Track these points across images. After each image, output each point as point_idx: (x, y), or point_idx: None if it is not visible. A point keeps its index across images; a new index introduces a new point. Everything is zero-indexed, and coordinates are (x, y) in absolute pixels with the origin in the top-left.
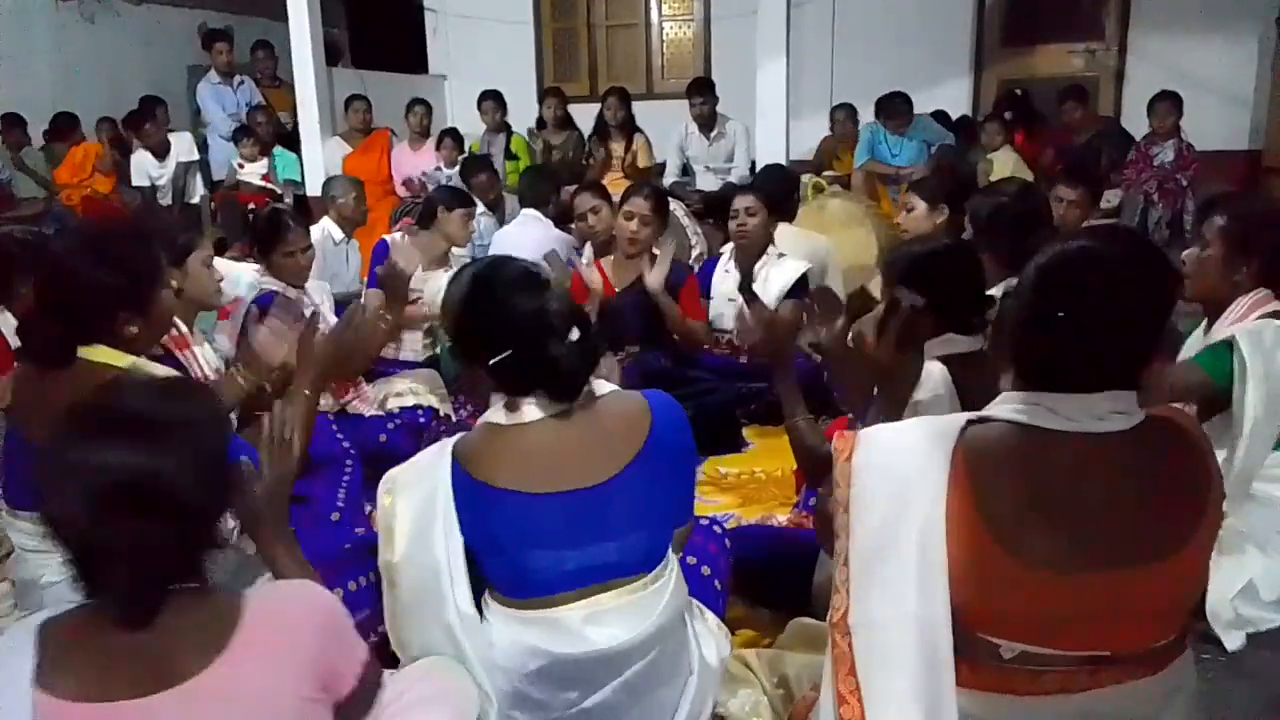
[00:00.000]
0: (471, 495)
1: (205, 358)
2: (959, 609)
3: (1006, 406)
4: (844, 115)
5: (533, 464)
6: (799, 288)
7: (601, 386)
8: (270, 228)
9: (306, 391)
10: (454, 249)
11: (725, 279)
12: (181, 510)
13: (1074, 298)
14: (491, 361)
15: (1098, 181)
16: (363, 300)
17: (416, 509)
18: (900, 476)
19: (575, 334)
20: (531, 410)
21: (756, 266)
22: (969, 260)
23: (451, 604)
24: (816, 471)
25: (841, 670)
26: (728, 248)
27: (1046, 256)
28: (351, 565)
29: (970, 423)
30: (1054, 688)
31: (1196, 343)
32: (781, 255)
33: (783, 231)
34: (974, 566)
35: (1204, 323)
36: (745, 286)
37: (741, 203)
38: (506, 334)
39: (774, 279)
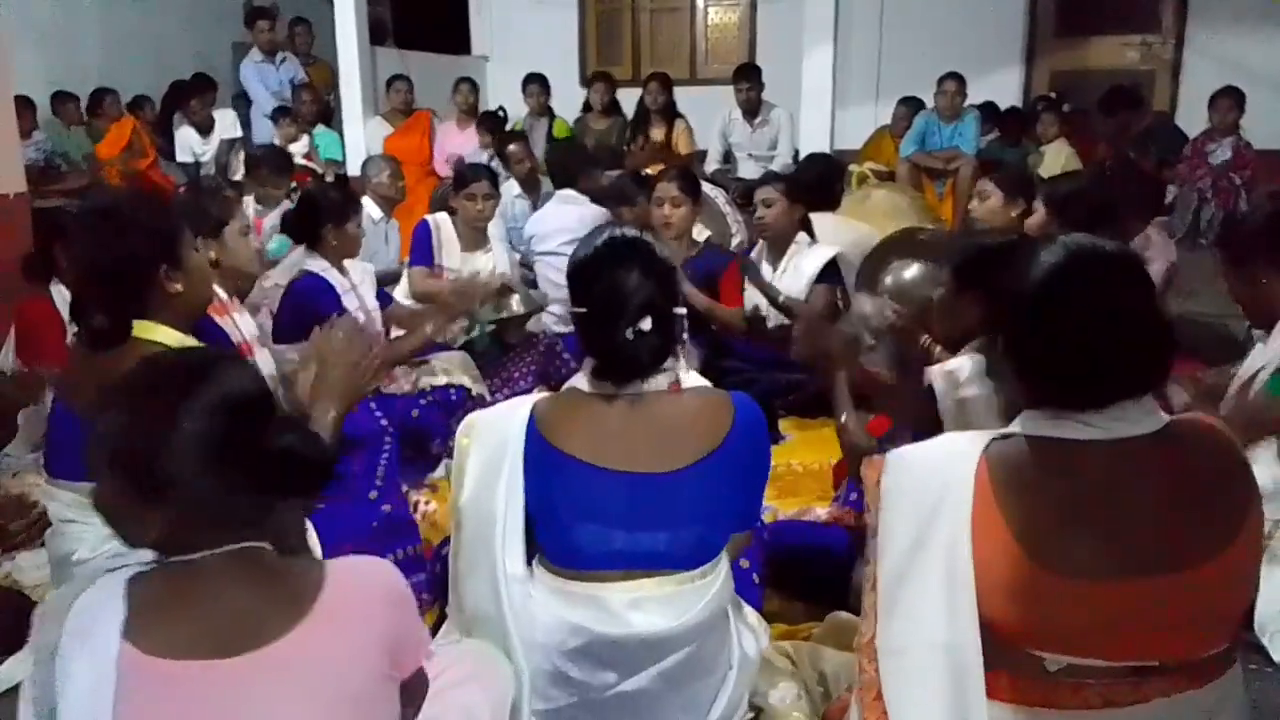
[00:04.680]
0: (540, 455)
1: (245, 325)
2: (998, 626)
3: (1030, 423)
4: (906, 112)
5: (604, 438)
6: (829, 273)
7: (691, 378)
8: (347, 201)
9: (330, 416)
10: (491, 231)
11: (760, 270)
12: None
13: (1069, 316)
14: (573, 311)
15: (1159, 190)
16: (403, 280)
17: (487, 456)
18: (924, 498)
19: (646, 324)
20: (605, 383)
21: (785, 256)
22: None
23: (500, 559)
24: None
25: (869, 696)
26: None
27: (1025, 283)
28: (380, 542)
29: (994, 440)
30: (1098, 701)
31: (1260, 356)
32: (812, 243)
33: (826, 220)
34: (1009, 583)
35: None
36: (759, 284)
37: (760, 195)
38: (587, 294)
39: (804, 267)
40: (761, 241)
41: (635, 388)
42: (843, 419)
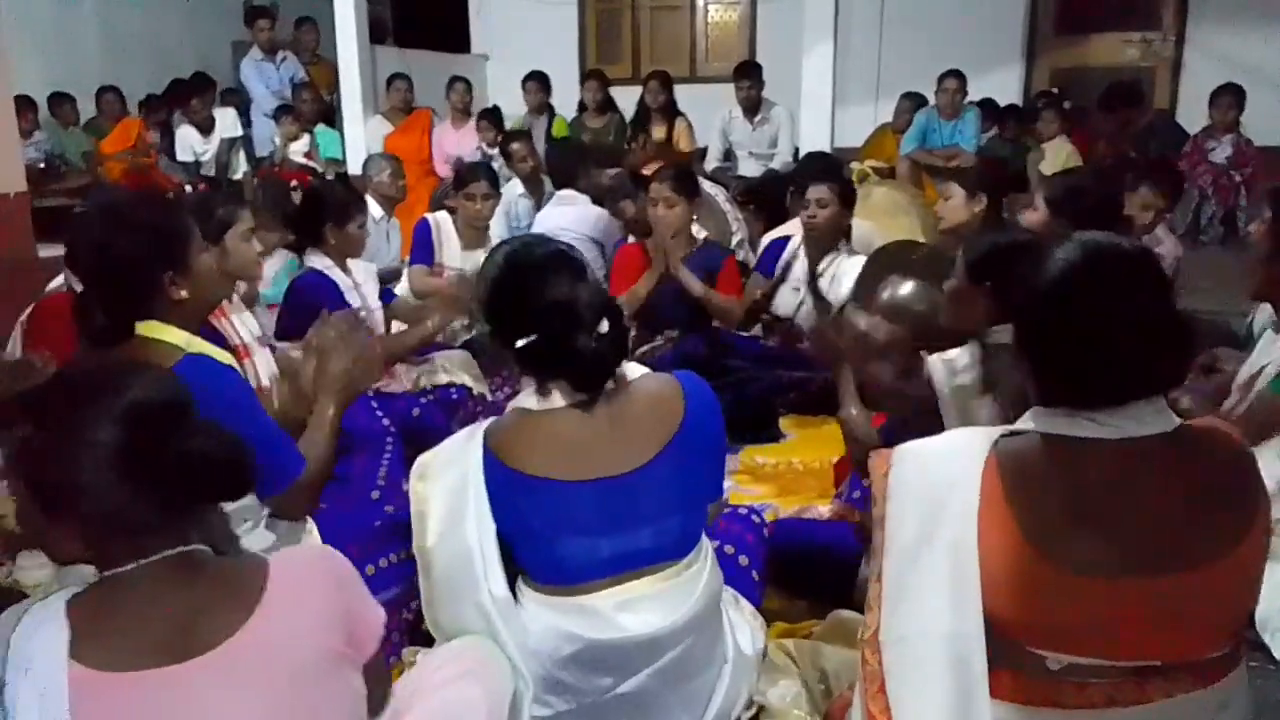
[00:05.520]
0: (503, 482)
1: (245, 323)
2: (1002, 622)
3: (1042, 420)
4: (908, 106)
5: (565, 451)
6: None
7: (633, 370)
8: (348, 201)
9: (330, 412)
10: (492, 228)
11: (793, 266)
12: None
13: (1088, 313)
14: (517, 345)
15: (1179, 188)
16: (404, 278)
17: (448, 495)
18: (932, 492)
19: (604, 326)
20: (563, 394)
21: (825, 260)
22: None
23: (485, 590)
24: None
25: (872, 688)
26: (787, 230)
27: (1042, 282)
28: (383, 542)
29: (1004, 436)
30: (1102, 700)
31: (1269, 345)
32: (852, 252)
33: None
34: (1015, 579)
35: (1274, 321)
36: (813, 287)
37: (814, 193)
38: (532, 319)
39: (844, 277)
40: (798, 237)
41: (617, 382)
42: (851, 412)
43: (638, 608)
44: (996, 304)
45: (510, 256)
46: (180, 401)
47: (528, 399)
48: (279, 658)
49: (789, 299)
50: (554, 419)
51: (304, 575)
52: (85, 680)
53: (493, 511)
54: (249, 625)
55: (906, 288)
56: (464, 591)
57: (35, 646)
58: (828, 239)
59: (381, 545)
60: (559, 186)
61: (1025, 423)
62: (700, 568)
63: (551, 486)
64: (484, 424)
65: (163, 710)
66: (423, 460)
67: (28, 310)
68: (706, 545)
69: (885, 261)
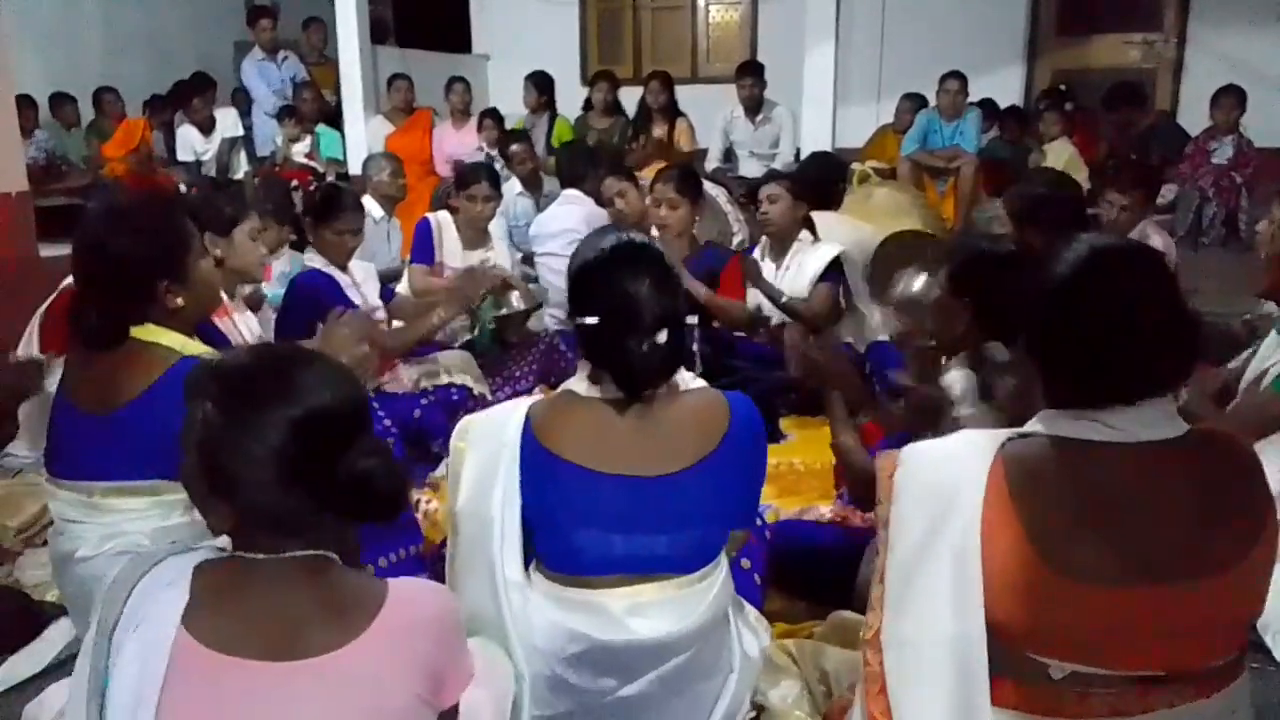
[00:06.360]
0: (536, 460)
1: (247, 325)
2: (1006, 628)
3: (1050, 422)
4: (909, 107)
5: (601, 441)
6: (831, 272)
7: (688, 380)
8: (330, 203)
9: None
10: (491, 227)
11: (762, 268)
12: None
13: (1098, 310)
14: (579, 320)
15: (1152, 182)
16: (404, 278)
17: (482, 461)
18: (938, 494)
19: (662, 336)
20: (608, 388)
21: (788, 254)
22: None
23: (499, 568)
24: (868, 493)
25: (873, 689)
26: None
27: (1055, 279)
28: (384, 541)
29: (1011, 438)
30: (1104, 710)
31: (1272, 348)
32: (815, 241)
33: (827, 219)
34: (1020, 584)
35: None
36: (762, 286)
37: (765, 191)
38: (595, 303)
39: (807, 265)
40: (764, 239)
41: (668, 388)
42: (845, 441)
43: (648, 612)
44: (977, 319)
45: (610, 241)
46: (358, 418)
47: (578, 383)
48: (368, 689)
49: (765, 301)
50: (591, 407)
51: (418, 614)
52: (188, 650)
53: (522, 488)
54: (352, 647)
55: (920, 280)
56: (480, 564)
57: (153, 603)
58: (786, 232)
59: (381, 543)
60: (566, 186)
61: (1034, 425)
62: (712, 582)
63: (579, 473)
64: (530, 399)
65: (245, 701)
66: (466, 421)
67: (44, 306)
68: (722, 561)
69: (898, 254)
